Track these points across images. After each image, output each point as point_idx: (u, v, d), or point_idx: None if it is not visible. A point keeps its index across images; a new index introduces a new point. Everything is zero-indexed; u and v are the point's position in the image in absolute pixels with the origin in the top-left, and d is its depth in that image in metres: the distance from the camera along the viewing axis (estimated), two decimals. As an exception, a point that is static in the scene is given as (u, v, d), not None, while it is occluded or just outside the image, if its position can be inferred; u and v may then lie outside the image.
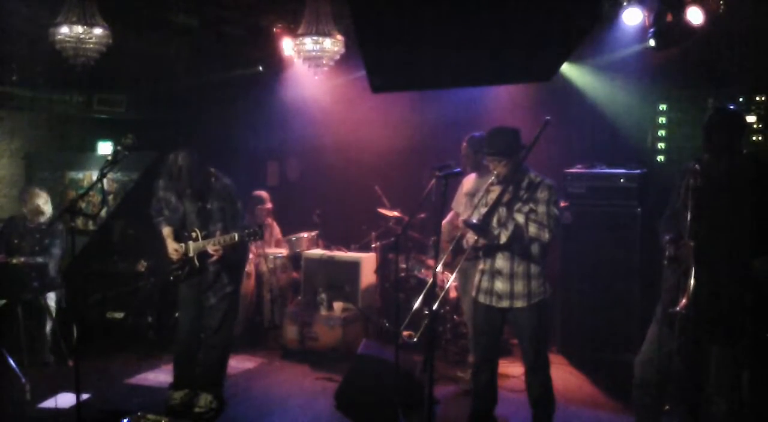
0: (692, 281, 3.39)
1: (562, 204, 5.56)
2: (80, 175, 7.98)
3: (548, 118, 3.90)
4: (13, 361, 5.10)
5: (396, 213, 6.58)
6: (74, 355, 5.31)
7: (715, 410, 3.62)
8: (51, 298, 5.84)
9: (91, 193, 7.25)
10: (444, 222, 5.42)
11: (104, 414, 4.61)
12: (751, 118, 5.43)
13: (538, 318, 4.02)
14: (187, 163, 4.62)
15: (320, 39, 5.47)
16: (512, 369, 5.61)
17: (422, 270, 6.43)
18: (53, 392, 4.88)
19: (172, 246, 4.80)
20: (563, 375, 5.57)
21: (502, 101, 6.76)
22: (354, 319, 6.24)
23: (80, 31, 5.26)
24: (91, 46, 5.35)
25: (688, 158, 3.59)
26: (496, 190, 4.01)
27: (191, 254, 4.77)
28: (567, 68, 6.44)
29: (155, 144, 6.32)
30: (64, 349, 5.80)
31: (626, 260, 5.60)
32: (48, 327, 5.81)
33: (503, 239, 3.96)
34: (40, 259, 5.75)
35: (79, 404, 4.04)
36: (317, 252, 6.75)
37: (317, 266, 6.59)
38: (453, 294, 6.03)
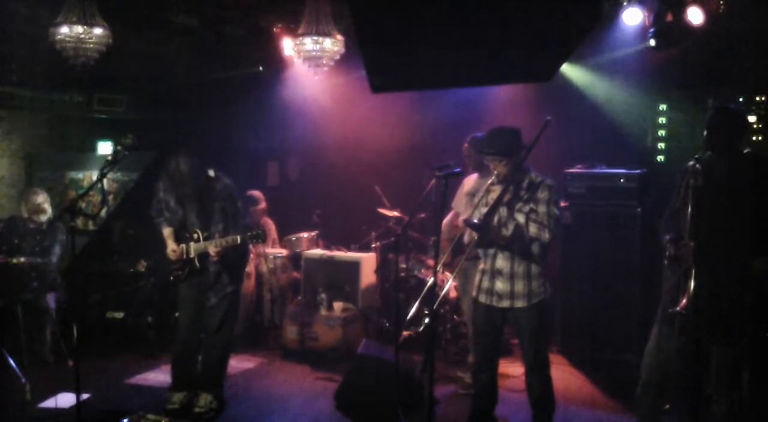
0: (692, 281, 3.39)
1: (562, 204, 5.56)
2: (80, 175, 7.99)
3: (548, 118, 3.90)
4: (13, 361, 5.09)
5: (396, 213, 6.58)
6: (74, 355, 5.31)
7: (715, 410, 3.62)
8: (51, 298, 5.84)
9: (91, 193, 7.25)
10: (444, 221, 5.43)
11: (104, 414, 4.61)
12: (751, 118, 5.43)
13: (538, 318, 4.02)
14: (187, 167, 4.62)
15: (320, 39, 5.47)
16: (512, 369, 5.61)
17: (422, 270, 6.43)
18: (53, 392, 4.88)
19: (172, 247, 4.80)
20: (563, 375, 5.57)
21: (502, 101, 6.76)
22: (354, 319, 6.23)
23: (80, 31, 5.25)
24: (91, 46, 5.35)
25: (688, 158, 3.58)
26: (496, 190, 4.01)
27: (192, 255, 4.77)
28: (567, 68, 6.44)
29: (155, 144, 6.33)
30: (64, 349, 5.80)
31: (626, 260, 5.60)
32: (48, 327, 5.81)
33: (503, 239, 3.96)
34: (40, 259, 5.75)
35: (79, 404, 4.04)
36: (317, 252, 6.75)
37: (317, 266, 6.59)
38: (453, 294, 6.04)
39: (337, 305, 6.24)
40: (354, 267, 6.46)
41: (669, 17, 5.01)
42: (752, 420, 3.75)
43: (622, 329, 5.57)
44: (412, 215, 5.19)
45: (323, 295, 6.28)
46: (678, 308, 3.47)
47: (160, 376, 5.67)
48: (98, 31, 5.33)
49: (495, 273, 4.06)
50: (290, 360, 6.14)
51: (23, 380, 4.97)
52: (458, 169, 3.96)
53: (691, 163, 3.51)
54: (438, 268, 4.95)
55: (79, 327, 4.58)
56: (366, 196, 6.88)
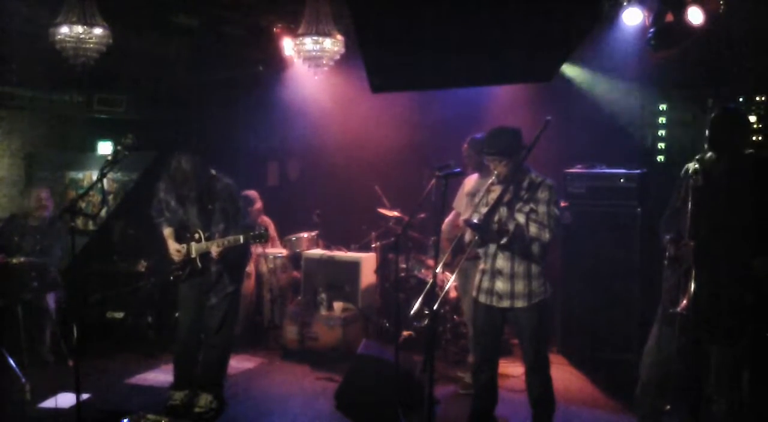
0: (692, 281, 3.39)
1: (562, 204, 5.55)
2: (80, 175, 7.98)
3: (549, 118, 3.89)
4: (13, 361, 5.09)
5: (396, 213, 6.58)
6: (74, 355, 5.31)
7: (716, 410, 3.63)
8: (51, 298, 5.84)
9: (91, 193, 7.25)
10: (446, 221, 5.43)
11: (104, 414, 4.61)
12: (751, 118, 5.43)
13: (538, 318, 4.02)
14: (189, 166, 4.61)
15: (320, 39, 5.47)
16: (512, 369, 5.61)
17: (422, 270, 6.43)
18: (53, 392, 4.88)
19: (174, 247, 4.80)
20: (563, 375, 5.57)
21: (502, 101, 6.76)
22: (354, 319, 6.23)
23: (80, 31, 5.26)
24: (91, 46, 5.35)
25: (688, 158, 3.59)
26: (496, 190, 4.01)
27: (193, 255, 4.77)
28: (567, 68, 6.43)
29: (155, 144, 6.33)
30: (64, 349, 5.80)
31: (626, 260, 5.59)
32: (48, 327, 5.81)
33: (504, 240, 3.96)
34: (40, 259, 5.74)
35: (79, 404, 4.04)
36: (317, 252, 6.75)
37: (317, 266, 6.59)
38: (453, 294, 6.03)
39: (337, 305, 6.23)
40: (354, 267, 6.46)
41: (669, 17, 5.01)
42: (752, 420, 3.75)
43: (622, 329, 5.57)
44: (412, 215, 5.19)
45: (323, 295, 6.28)
46: (678, 308, 3.47)
47: (160, 376, 5.67)
48: (98, 31, 5.34)
49: (495, 273, 4.06)
50: (290, 360, 6.14)
51: (23, 380, 4.98)
52: (458, 169, 3.96)
53: (692, 163, 3.51)
54: (438, 269, 4.96)
55: (79, 327, 4.56)
56: (366, 196, 6.88)
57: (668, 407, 4.10)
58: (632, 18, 5.43)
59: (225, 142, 7.42)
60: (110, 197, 7.83)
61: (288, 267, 7.00)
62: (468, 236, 4.19)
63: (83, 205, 7.61)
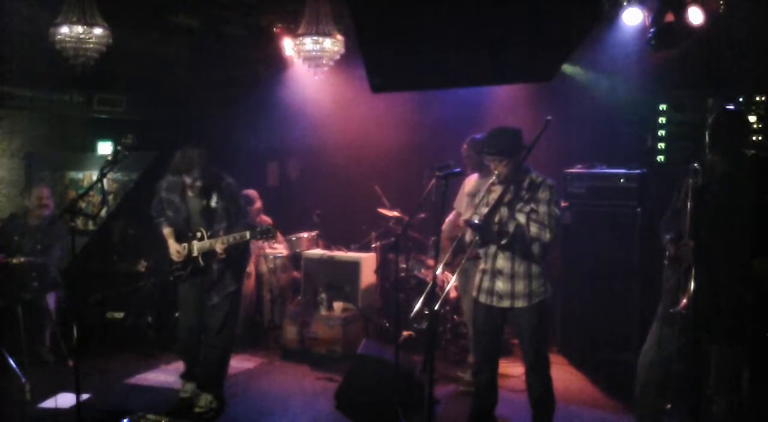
0: (692, 281, 3.39)
1: (563, 204, 5.55)
2: (80, 175, 7.98)
3: (549, 117, 3.90)
4: (13, 361, 5.09)
5: (396, 213, 6.58)
6: (74, 355, 5.31)
7: (716, 410, 3.63)
8: (51, 298, 5.84)
9: (91, 193, 7.25)
10: (446, 221, 5.43)
11: (104, 414, 4.61)
12: (751, 118, 5.43)
13: (538, 318, 4.02)
14: (195, 155, 4.63)
15: (320, 39, 5.47)
16: (512, 369, 5.61)
17: (422, 270, 6.43)
18: (53, 392, 4.88)
19: (175, 247, 4.80)
20: (563, 375, 5.57)
21: (502, 101, 6.76)
22: (354, 319, 6.23)
23: (80, 31, 5.26)
24: (91, 46, 5.35)
25: (688, 158, 3.59)
26: (497, 190, 4.01)
27: (195, 254, 4.76)
28: (567, 68, 6.43)
29: (155, 144, 6.32)
30: (64, 349, 5.80)
31: (626, 260, 5.59)
32: (48, 327, 5.80)
33: (504, 240, 3.96)
34: (40, 259, 5.74)
35: (79, 404, 4.04)
36: (317, 252, 6.75)
37: (317, 266, 6.59)
38: (453, 294, 6.03)
39: (337, 305, 6.24)
40: (354, 267, 6.46)
41: (669, 17, 5.01)
42: (752, 420, 3.75)
43: (622, 329, 5.57)
44: (412, 215, 5.19)
45: (323, 295, 6.28)
46: (679, 308, 3.47)
47: (160, 376, 5.68)
48: (98, 31, 5.34)
49: (495, 273, 4.06)
50: (290, 360, 6.14)
51: (23, 380, 4.98)
52: (458, 169, 3.97)
53: (693, 163, 3.51)
54: (439, 269, 4.97)
55: (79, 327, 4.56)
56: (366, 196, 6.88)
57: (668, 407, 4.10)
58: (632, 18, 5.43)
59: (225, 142, 7.41)
60: (110, 197, 7.83)
61: (288, 267, 7.00)
62: (468, 236, 4.19)
63: (83, 205, 7.61)
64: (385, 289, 6.60)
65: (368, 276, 6.50)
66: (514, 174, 3.98)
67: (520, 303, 4.01)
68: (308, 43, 5.50)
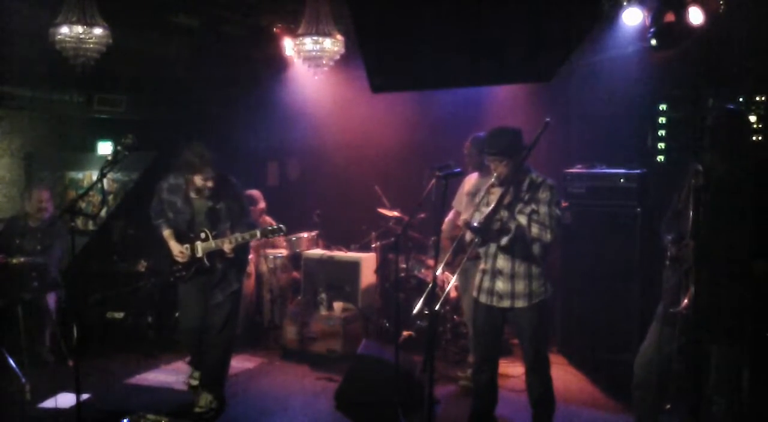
0: (693, 281, 3.39)
1: (563, 204, 5.55)
2: (80, 175, 7.99)
3: (548, 119, 3.89)
4: (13, 361, 5.09)
5: (396, 213, 6.58)
6: (74, 355, 5.31)
7: (716, 410, 3.62)
8: (51, 298, 5.84)
9: (91, 193, 7.25)
10: (446, 220, 5.43)
11: (104, 414, 4.62)
12: (751, 118, 5.43)
13: (538, 318, 4.02)
14: (207, 153, 4.63)
15: (320, 39, 5.47)
16: (512, 369, 5.61)
17: (422, 270, 6.43)
18: (53, 392, 4.88)
19: (177, 249, 4.77)
20: (563, 375, 5.57)
21: (502, 101, 6.76)
22: (354, 319, 6.23)
23: (80, 31, 5.26)
24: (91, 46, 5.36)
25: (689, 158, 3.58)
26: (497, 192, 4.01)
27: (200, 254, 4.75)
28: (567, 68, 6.42)
29: (155, 144, 6.33)
30: (64, 349, 5.80)
31: (626, 260, 5.58)
32: (48, 327, 5.81)
33: (505, 241, 3.96)
34: (40, 259, 5.75)
35: (79, 404, 4.04)
36: (317, 252, 6.75)
37: (317, 266, 6.59)
38: (453, 294, 6.03)
39: (337, 305, 6.24)
40: (354, 267, 6.46)
41: (669, 17, 5.00)
42: (752, 420, 3.75)
43: (622, 329, 5.56)
44: (412, 215, 5.19)
45: (323, 295, 6.28)
46: (680, 308, 3.47)
47: (160, 376, 5.68)
48: (98, 31, 5.34)
49: (496, 273, 4.06)
50: (290, 360, 6.14)
51: (23, 380, 4.98)
52: (458, 169, 3.96)
53: (693, 163, 3.51)
54: (439, 270, 4.96)
55: (79, 327, 4.57)
56: (366, 196, 6.88)
57: (668, 407, 4.10)
58: (632, 18, 5.43)
59: (225, 142, 7.41)
60: (110, 197, 7.84)
61: (288, 267, 7.00)
62: (468, 236, 4.19)
63: (83, 205, 7.62)
64: (385, 289, 6.60)
65: (368, 276, 6.50)
66: (514, 174, 3.97)
67: (520, 303, 4.01)
68: (308, 43, 5.50)
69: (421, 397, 4.39)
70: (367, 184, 6.87)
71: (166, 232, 4.86)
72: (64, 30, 5.25)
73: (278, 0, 6.19)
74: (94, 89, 7.44)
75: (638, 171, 5.72)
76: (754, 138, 5.43)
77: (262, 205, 6.90)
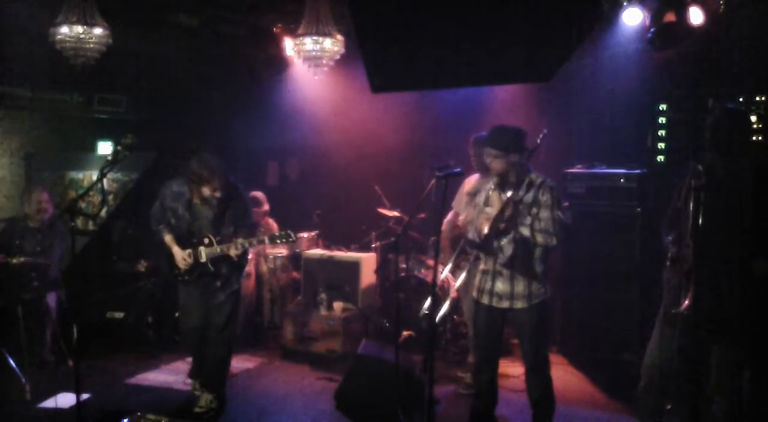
0: (693, 282, 3.39)
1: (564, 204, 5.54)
2: (80, 175, 7.98)
3: (545, 131, 3.91)
4: (13, 361, 5.09)
5: (396, 213, 6.58)
6: (74, 355, 5.31)
7: (716, 410, 3.63)
8: (51, 298, 5.84)
9: (91, 193, 7.25)
10: (445, 220, 5.43)
11: (104, 414, 4.61)
12: (751, 118, 5.42)
13: (538, 319, 4.02)
14: (215, 161, 4.62)
15: (320, 39, 5.47)
16: (512, 369, 5.61)
17: (422, 270, 6.43)
18: (53, 392, 4.87)
19: (181, 255, 4.75)
20: (563, 375, 5.57)
21: (503, 101, 6.75)
22: (354, 319, 6.23)
23: (80, 31, 5.26)
24: (91, 46, 5.36)
25: (688, 158, 3.58)
26: (496, 201, 3.99)
27: (203, 260, 4.74)
28: (567, 68, 6.42)
29: (155, 144, 6.32)
30: (64, 349, 5.80)
31: (626, 260, 5.59)
32: (48, 327, 5.80)
33: (508, 252, 3.96)
34: (40, 259, 5.74)
35: (79, 404, 4.03)
36: (317, 252, 6.75)
37: (317, 266, 6.59)
38: (453, 294, 6.03)
39: (337, 305, 6.23)
40: (354, 267, 6.46)
41: (669, 17, 5.00)
42: (752, 420, 3.75)
43: (622, 329, 5.57)
44: (412, 215, 5.18)
45: (323, 295, 6.28)
46: (681, 308, 3.47)
47: (160, 376, 5.68)
48: (98, 31, 5.34)
49: (496, 274, 4.06)
50: (290, 360, 6.14)
51: (23, 380, 4.98)
52: (458, 169, 3.95)
53: (693, 163, 3.51)
54: (444, 273, 4.97)
55: (79, 327, 4.56)
56: (366, 196, 6.88)
57: (669, 407, 4.10)
58: (632, 18, 5.43)
59: (225, 142, 7.42)
60: (110, 197, 7.83)
61: (288, 267, 7.00)
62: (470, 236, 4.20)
63: (83, 205, 7.61)
64: (385, 289, 6.60)
65: (368, 276, 6.50)
66: (512, 174, 3.97)
67: (519, 304, 4.01)
68: (308, 43, 5.50)
69: (421, 397, 4.38)
70: (367, 184, 6.87)
71: (168, 238, 4.84)
72: (64, 30, 5.25)
73: (278, 0, 6.18)
74: (94, 89, 7.45)
75: (638, 171, 5.72)
76: (754, 138, 5.43)
77: (266, 207, 6.89)
